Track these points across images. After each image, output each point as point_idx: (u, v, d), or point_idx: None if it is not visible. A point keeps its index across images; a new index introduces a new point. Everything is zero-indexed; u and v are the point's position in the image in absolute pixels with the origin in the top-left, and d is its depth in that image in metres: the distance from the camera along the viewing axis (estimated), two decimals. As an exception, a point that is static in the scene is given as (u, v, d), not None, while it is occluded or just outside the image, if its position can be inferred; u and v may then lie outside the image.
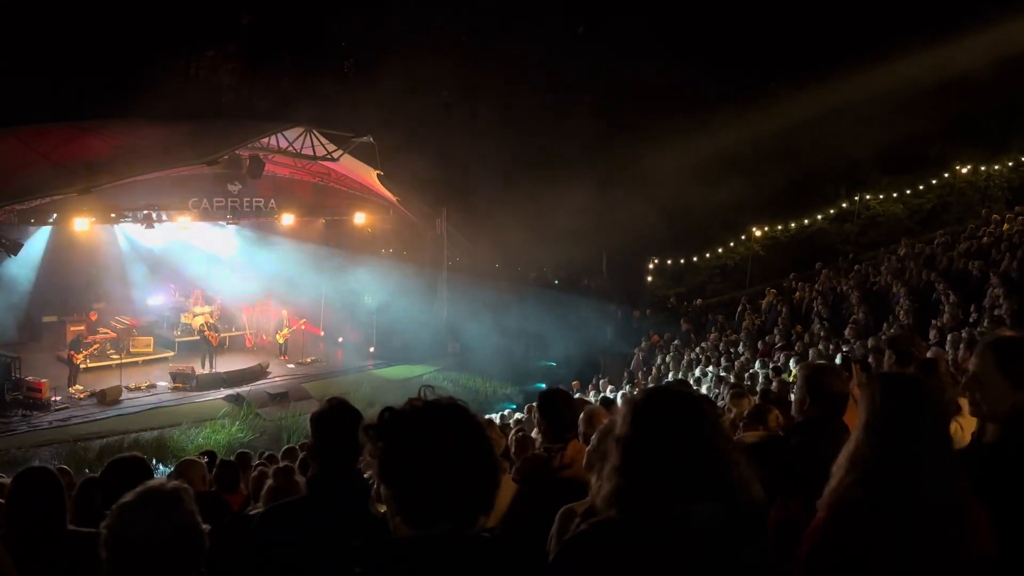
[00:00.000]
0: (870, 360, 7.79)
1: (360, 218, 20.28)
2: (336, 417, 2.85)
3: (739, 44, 23.87)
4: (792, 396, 8.33)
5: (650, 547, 1.79)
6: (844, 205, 24.77)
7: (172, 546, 2.08)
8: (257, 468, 6.76)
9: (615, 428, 1.97)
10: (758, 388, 9.46)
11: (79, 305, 18.74)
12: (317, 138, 17.08)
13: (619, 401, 9.26)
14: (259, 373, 18.34)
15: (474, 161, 21.98)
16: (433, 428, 1.74)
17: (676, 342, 18.13)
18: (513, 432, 6.54)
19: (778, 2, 23.98)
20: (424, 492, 1.71)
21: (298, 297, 21.02)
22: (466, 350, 21.09)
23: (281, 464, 4.28)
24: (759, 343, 15.06)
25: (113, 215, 16.32)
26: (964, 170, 24.00)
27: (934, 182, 24.46)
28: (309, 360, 19.96)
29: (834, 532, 2.10)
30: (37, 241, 16.85)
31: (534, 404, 11.64)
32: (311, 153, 17.22)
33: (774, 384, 8.98)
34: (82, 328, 17.86)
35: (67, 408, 15.62)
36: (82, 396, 16.17)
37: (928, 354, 7.16)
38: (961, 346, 9.30)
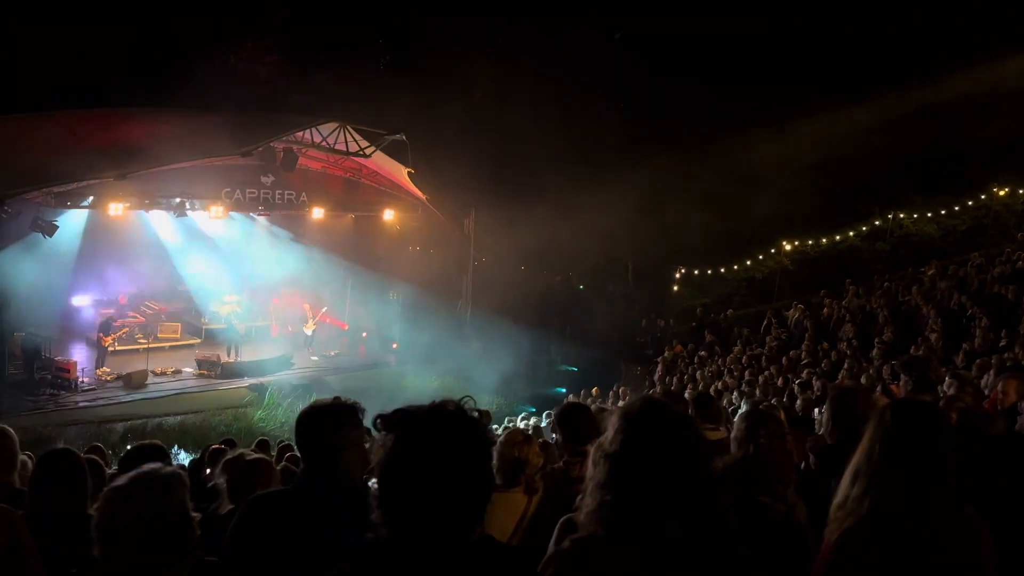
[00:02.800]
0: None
1: (389, 215, 20.39)
2: (321, 415, 2.91)
3: (776, 59, 23.70)
4: (816, 414, 8.26)
5: (630, 566, 1.77)
6: (877, 223, 24.46)
7: (159, 532, 2.08)
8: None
9: (604, 439, 1.92)
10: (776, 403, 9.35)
11: (110, 288, 19.02)
12: (350, 134, 17.21)
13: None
14: (283, 364, 18.49)
15: (504, 163, 22.01)
16: (428, 433, 1.73)
17: (701, 353, 18.01)
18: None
19: (816, 20, 23.75)
20: (404, 495, 1.70)
21: (325, 290, 21.18)
22: (488, 351, 21.11)
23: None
24: (784, 358, 14.91)
25: (147, 201, 16.58)
26: (1001, 192, 23.60)
27: (970, 203, 24.07)
28: (333, 353, 20.09)
29: (843, 557, 2.09)
30: (72, 224, 17.14)
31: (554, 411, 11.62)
32: (344, 148, 17.35)
33: (799, 402, 8.88)
34: (112, 311, 18.13)
35: (94, 390, 15.86)
36: (109, 379, 16.41)
37: (948, 378, 7.04)
38: (991, 372, 9.14)
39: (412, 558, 1.69)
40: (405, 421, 1.75)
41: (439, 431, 1.73)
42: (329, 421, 2.89)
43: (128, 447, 12.27)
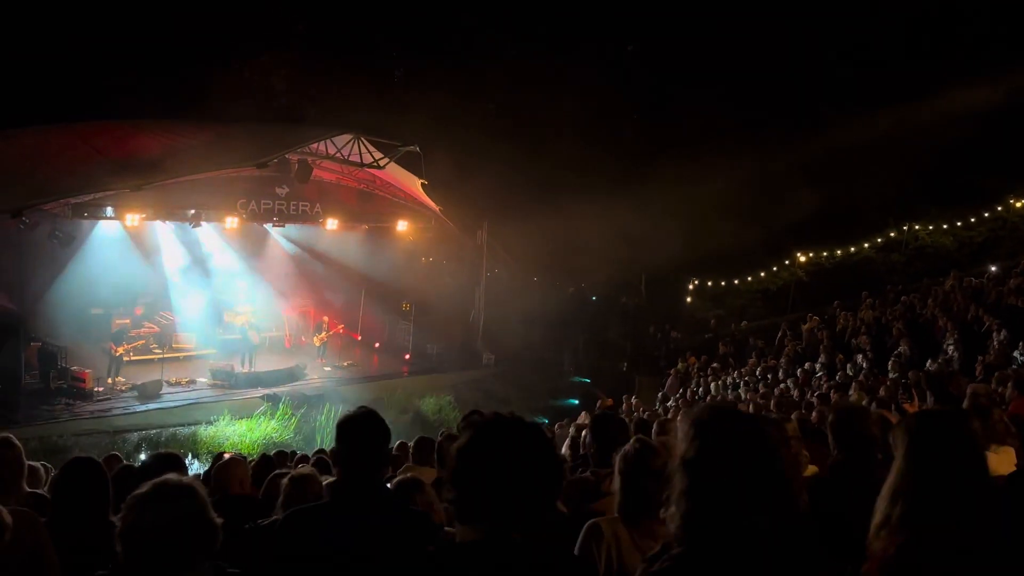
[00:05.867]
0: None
1: (402, 226, 20.45)
2: (362, 424, 2.89)
3: (790, 70, 23.67)
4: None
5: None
6: (892, 234, 24.32)
7: (183, 537, 2.15)
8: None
9: (679, 449, 1.96)
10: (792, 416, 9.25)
11: (126, 299, 19.12)
12: (364, 145, 17.28)
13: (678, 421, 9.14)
14: (296, 374, 18.53)
15: (517, 174, 22.05)
16: (510, 437, 1.87)
17: (714, 365, 17.92)
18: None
19: (830, 31, 23.73)
20: (487, 493, 1.83)
21: (338, 301, 21.25)
22: (500, 361, 21.11)
23: (303, 470, 4.21)
24: (799, 370, 14.81)
25: (163, 212, 16.72)
26: (1018, 204, 23.43)
27: (986, 215, 23.90)
28: (345, 364, 20.13)
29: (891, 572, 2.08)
30: (89, 234, 17.31)
31: (566, 421, 11.55)
32: (358, 160, 17.43)
33: (815, 415, 8.80)
34: (127, 321, 18.24)
35: (108, 399, 15.94)
36: (123, 388, 16.49)
37: (970, 390, 6.96)
38: (1009, 384, 9.04)
39: (488, 552, 1.80)
40: (484, 423, 1.91)
41: (517, 435, 1.88)
42: (375, 430, 2.89)
43: (143, 456, 12.34)
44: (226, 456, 5.20)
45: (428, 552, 1.89)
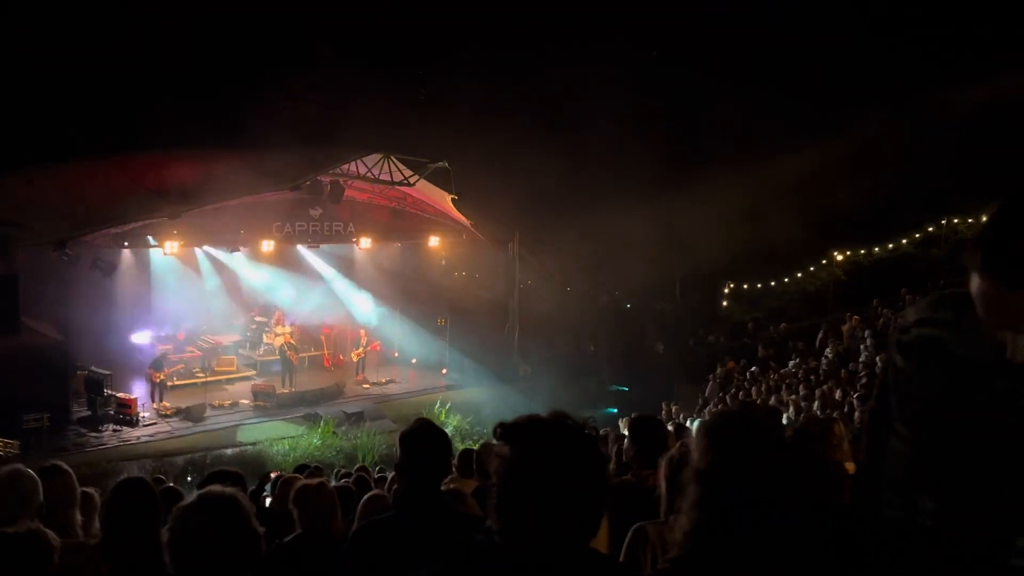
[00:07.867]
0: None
1: (434, 241, 20.59)
2: (422, 436, 2.95)
3: (822, 67, 23.44)
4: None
5: None
6: (931, 230, 23.90)
7: (227, 546, 2.19)
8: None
9: (691, 458, 1.92)
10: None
11: (168, 325, 19.49)
12: (394, 164, 17.49)
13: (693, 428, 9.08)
14: (336, 392, 18.70)
15: (547, 184, 22.06)
16: (548, 441, 1.73)
17: (753, 369, 17.73)
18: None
19: (863, 27, 23.45)
20: (523, 506, 1.70)
21: (374, 319, 21.43)
22: (537, 373, 21.07)
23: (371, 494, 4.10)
24: (842, 371, 14.59)
25: (201, 239, 17.04)
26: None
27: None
28: (384, 380, 20.25)
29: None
30: (130, 262, 17.69)
31: (608, 429, 11.51)
32: (388, 178, 17.63)
33: (857, 415, 8.69)
34: (169, 347, 18.56)
35: (154, 424, 16.24)
36: (169, 413, 16.78)
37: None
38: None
39: (525, 565, 1.70)
40: (526, 431, 1.75)
41: (561, 443, 1.72)
42: (435, 441, 2.96)
43: (188, 479, 12.56)
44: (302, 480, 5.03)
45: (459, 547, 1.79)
